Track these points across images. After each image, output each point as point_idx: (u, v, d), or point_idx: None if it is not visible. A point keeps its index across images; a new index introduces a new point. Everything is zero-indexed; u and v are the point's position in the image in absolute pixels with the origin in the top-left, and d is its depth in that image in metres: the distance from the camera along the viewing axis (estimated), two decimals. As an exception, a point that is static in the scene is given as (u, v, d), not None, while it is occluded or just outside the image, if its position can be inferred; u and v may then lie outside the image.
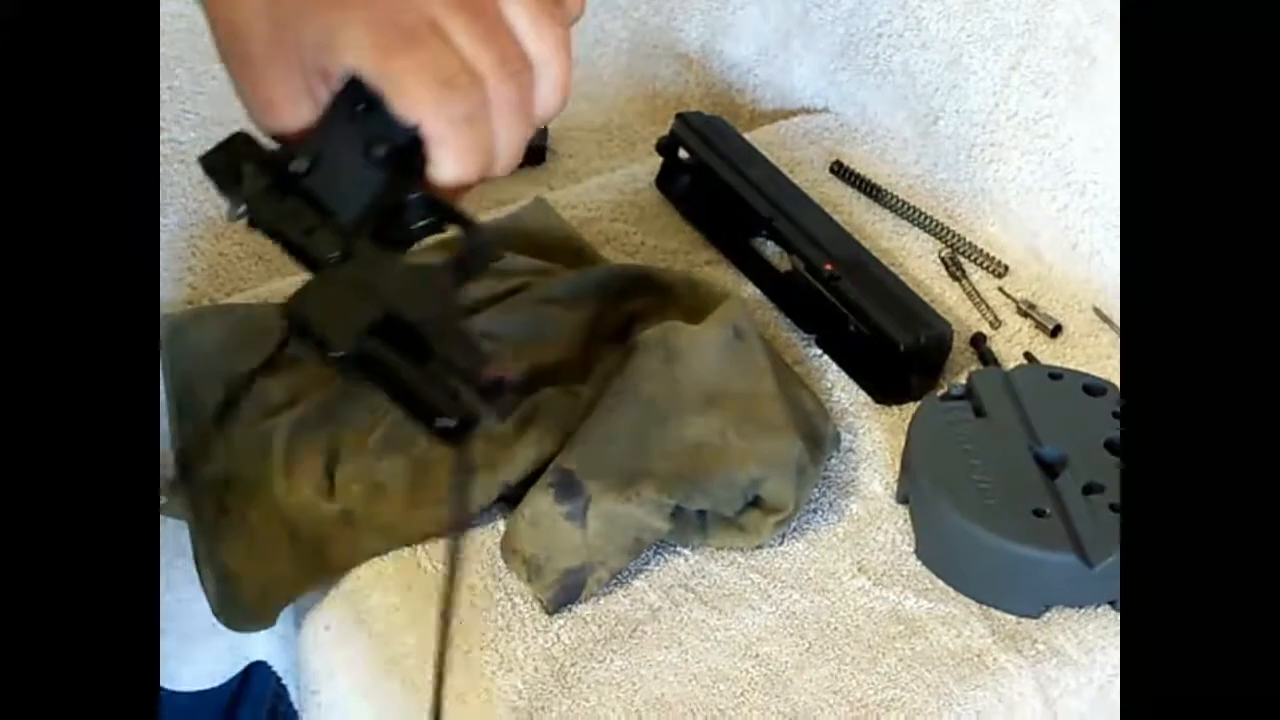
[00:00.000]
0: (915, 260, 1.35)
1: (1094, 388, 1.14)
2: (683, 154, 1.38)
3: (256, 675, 1.22)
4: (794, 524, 1.09)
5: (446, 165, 0.82)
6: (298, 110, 0.84)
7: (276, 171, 0.84)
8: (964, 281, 1.32)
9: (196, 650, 1.17)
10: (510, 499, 1.07)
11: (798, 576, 1.07)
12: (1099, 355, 1.26)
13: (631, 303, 1.21)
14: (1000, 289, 1.32)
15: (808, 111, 1.56)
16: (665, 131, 1.39)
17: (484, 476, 1.07)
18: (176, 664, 1.19)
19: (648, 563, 1.07)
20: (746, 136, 1.39)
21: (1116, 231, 1.30)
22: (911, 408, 1.16)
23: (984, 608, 1.05)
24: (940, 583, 1.07)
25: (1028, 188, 1.37)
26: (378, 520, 1.06)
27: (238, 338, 1.15)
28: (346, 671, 1.08)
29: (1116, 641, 1.04)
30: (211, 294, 1.27)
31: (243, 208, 0.85)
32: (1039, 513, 1.04)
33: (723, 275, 1.31)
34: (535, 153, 1.46)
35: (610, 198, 1.38)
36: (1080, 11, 1.31)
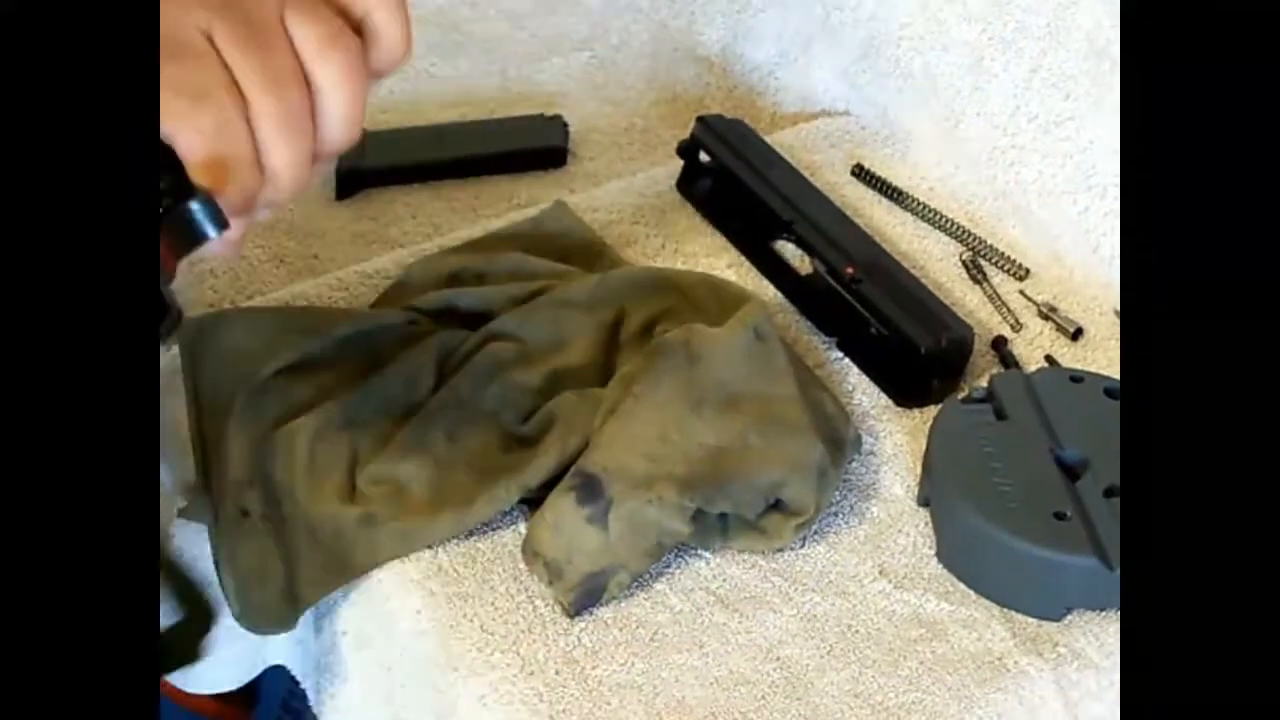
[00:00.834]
0: (936, 263, 1.35)
1: (1115, 391, 1.14)
2: (703, 157, 1.38)
3: (269, 677, 1.22)
4: (815, 527, 1.09)
5: (197, 174, 0.81)
6: None
7: None
8: (985, 284, 1.32)
9: (215, 652, 1.18)
10: (532, 501, 1.08)
11: (818, 579, 1.07)
12: (1120, 358, 1.25)
13: (652, 305, 1.21)
14: (1021, 292, 1.32)
15: (829, 114, 1.56)
16: (686, 134, 1.39)
17: (506, 479, 1.07)
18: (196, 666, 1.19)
19: (669, 566, 1.07)
20: (767, 139, 1.39)
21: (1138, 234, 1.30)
22: (932, 410, 1.16)
23: (1005, 610, 1.05)
24: (961, 585, 1.07)
25: (1049, 190, 1.37)
26: (398, 523, 1.06)
27: (261, 340, 1.15)
28: (364, 676, 1.08)
29: (1138, 645, 1.04)
30: (233, 297, 1.27)
31: None
32: (1060, 515, 1.04)
33: (744, 278, 1.30)
34: (556, 155, 1.46)
35: (631, 200, 1.38)
36: (1101, 14, 1.31)
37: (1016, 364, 1.24)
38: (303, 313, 1.22)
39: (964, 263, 1.35)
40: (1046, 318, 1.29)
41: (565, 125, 1.47)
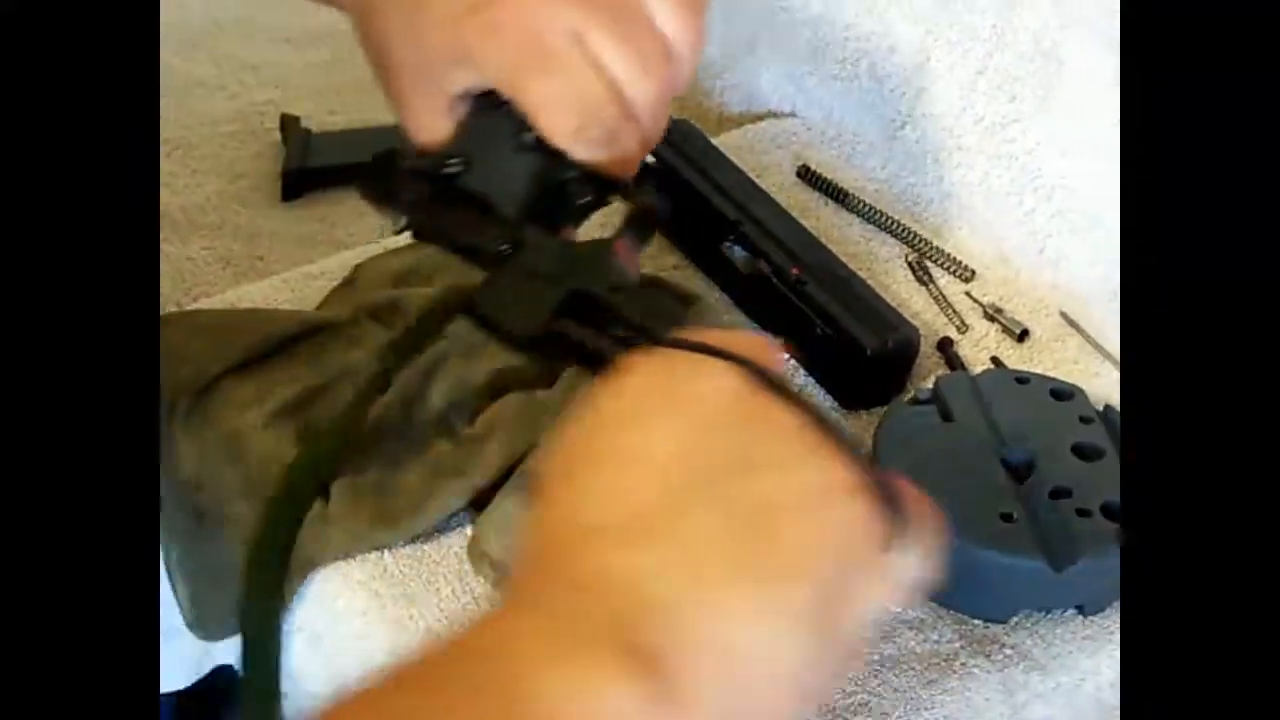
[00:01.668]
0: (882, 265, 1.35)
1: (1061, 392, 1.14)
2: (649, 158, 1.37)
3: (220, 676, 1.22)
4: (762, 528, 1.09)
5: (588, 160, 0.87)
6: (440, 123, 0.87)
7: (431, 180, 0.87)
8: (931, 286, 1.32)
9: (165, 652, 1.17)
10: (479, 503, 1.07)
11: (766, 581, 1.07)
12: (1066, 359, 1.26)
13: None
14: (967, 293, 1.32)
15: (775, 115, 1.56)
16: (632, 135, 1.38)
17: (454, 480, 1.07)
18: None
19: (615, 567, 1.06)
20: (713, 140, 1.39)
21: (1084, 236, 1.31)
22: (878, 412, 1.16)
23: (952, 612, 1.06)
24: (908, 587, 1.07)
25: (995, 192, 1.37)
26: (349, 522, 1.05)
27: (206, 342, 1.15)
28: (315, 674, 1.08)
29: (1084, 646, 1.04)
30: (178, 299, 1.26)
31: (403, 220, 0.88)
32: (1006, 517, 1.04)
33: (689, 279, 1.30)
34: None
35: (577, 201, 1.38)
36: (1048, 15, 1.32)
37: (962, 365, 1.24)
38: (248, 315, 1.21)
39: (910, 264, 1.35)
40: (992, 319, 1.30)
41: (513, 126, 1.47)
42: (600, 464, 0.65)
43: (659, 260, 1.32)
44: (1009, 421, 1.11)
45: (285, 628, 1.09)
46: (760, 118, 1.56)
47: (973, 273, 1.34)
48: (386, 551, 1.06)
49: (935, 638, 1.04)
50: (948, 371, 1.23)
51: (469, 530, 1.07)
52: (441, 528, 1.08)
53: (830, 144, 1.50)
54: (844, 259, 1.28)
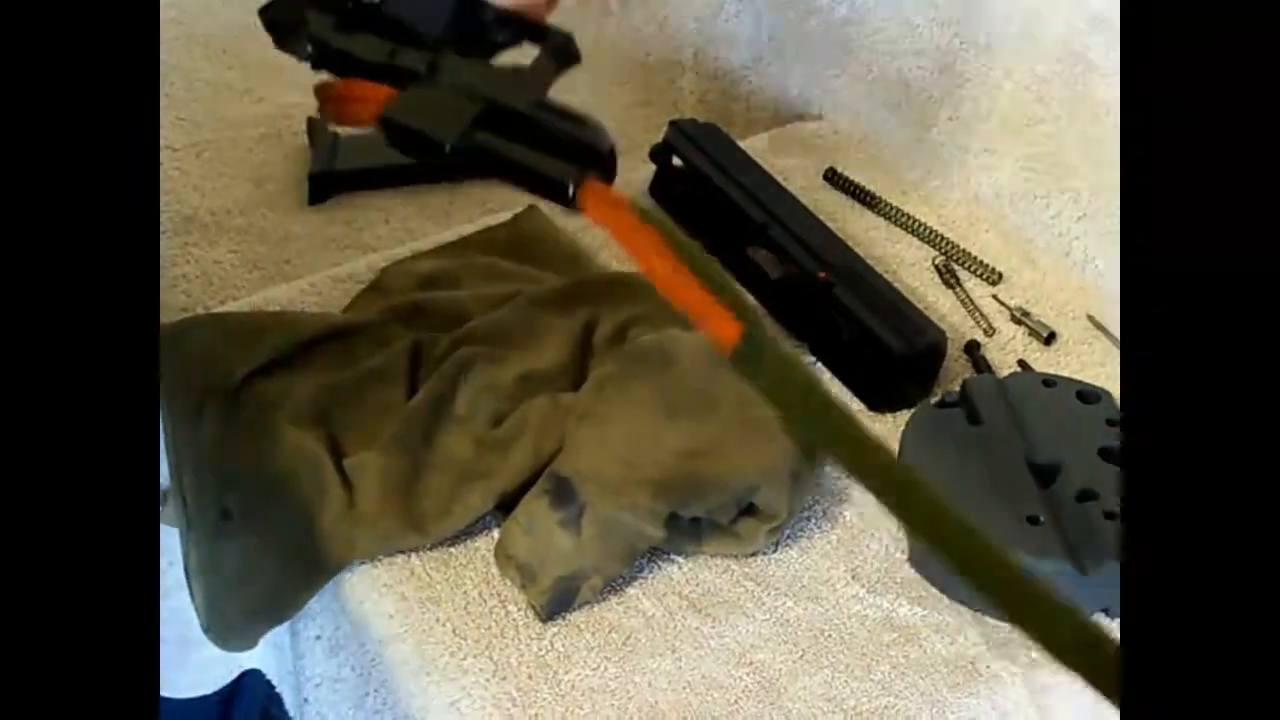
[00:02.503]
0: (909, 268, 1.35)
1: (1088, 395, 1.14)
2: (677, 161, 1.38)
3: (249, 680, 1.22)
4: (787, 531, 1.09)
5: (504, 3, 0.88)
6: None
7: (341, 10, 0.87)
8: (958, 289, 1.32)
9: (192, 657, 1.17)
10: (505, 506, 1.07)
11: (791, 584, 1.07)
12: (1093, 362, 1.26)
13: (625, 310, 1.21)
14: (994, 296, 1.32)
15: (802, 119, 1.56)
16: (659, 138, 1.38)
17: (480, 483, 1.07)
18: (172, 671, 1.19)
19: (641, 570, 1.07)
20: (741, 144, 1.39)
21: (1110, 238, 1.30)
22: (905, 415, 1.16)
23: (977, 615, 1.05)
24: (934, 590, 1.07)
25: (1022, 195, 1.37)
26: (379, 524, 1.05)
27: (233, 344, 1.15)
28: (337, 680, 1.08)
29: (1110, 649, 1.04)
30: (205, 302, 1.27)
31: (309, 47, 0.88)
32: (1033, 519, 1.04)
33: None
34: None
35: (604, 205, 1.38)
36: (1075, 18, 1.31)
37: (989, 368, 1.24)
38: (275, 317, 1.21)
39: (936, 267, 1.35)
40: (1019, 322, 1.29)
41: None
42: None
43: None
44: (1036, 424, 1.11)
45: (305, 634, 1.09)
46: (787, 121, 1.56)
47: (1000, 276, 1.34)
48: (413, 554, 1.06)
49: (961, 641, 1.04)
50: (975, 374, 1.23)
51: (496, 533, 1.07)
52: (468, 530, 1.08)
53: (857, 147, 1.50)
54: (871, 262, 1.28)
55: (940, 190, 1.43)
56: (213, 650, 1.15)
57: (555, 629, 1.03)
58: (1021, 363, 1.25)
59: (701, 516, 1.06)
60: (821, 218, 1.33)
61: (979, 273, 1.34)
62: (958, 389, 1.15)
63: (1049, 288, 1.33)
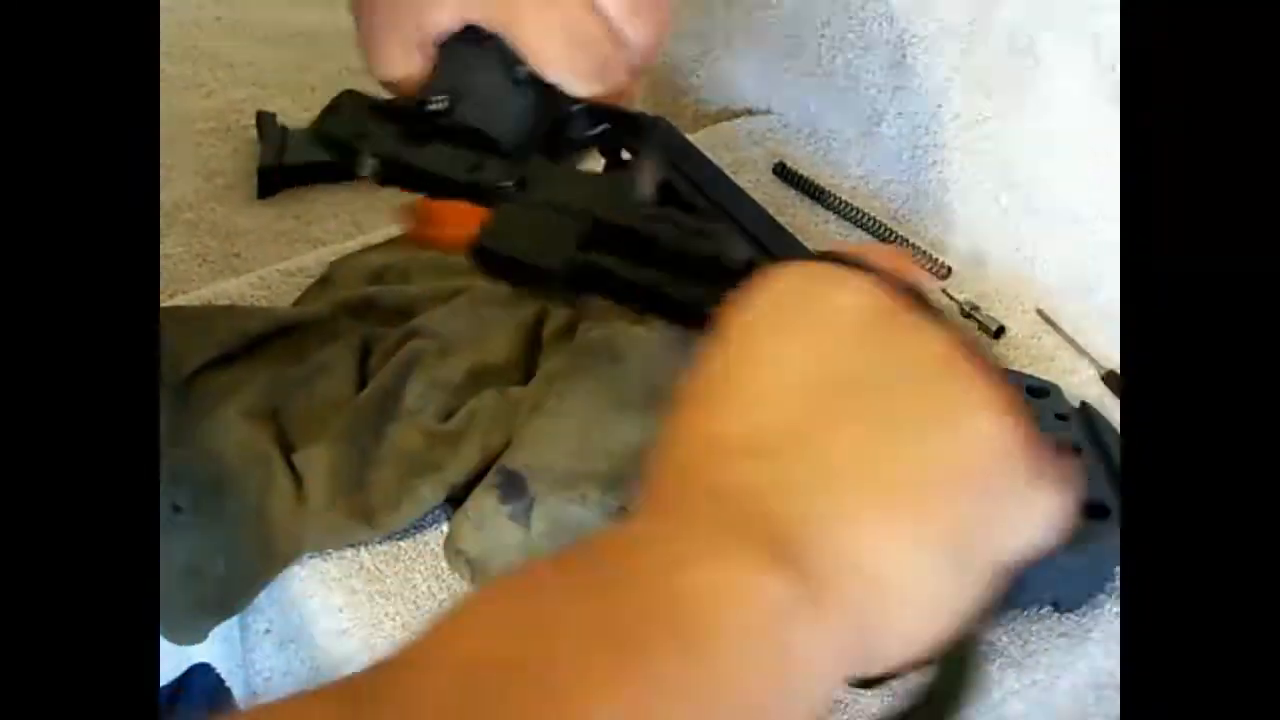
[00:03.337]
0: (858, 261, 1.35)
1: (1037, 389, 1.14)
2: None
3: (198, 674, 1.22)
4: (738, 525, 1.09)
5: (585, 94, 0.87)
6: (414, 62, 0.85)
7: (406, 119, 0.84)
8: (907, 282, 1.33)
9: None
10: (455, 500, 1.07)
11: (742, 577, 1.07)
12: (1042, 357, 1.26)
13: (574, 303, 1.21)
14: (944, 290, 1.32)
15: (751, 113, 1.56)
16: (609, 133, 1.38)
17: (430, 476, 1.07)
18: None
19: (592, 563, 1.06)
20: (689, 137, 1.39)
21: (1060, 233, 1.31)
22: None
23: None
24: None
25: (970, 189, 1.37)
26: (327, 515, 1.05)
27: (182, 338, 1.15)
28: (288, 674, 1.08)
29: (1059, 643, 1.04)
30: (154, 295, 1.26)
31: (372, 163, 0.83)
32: (985, 514, 1.04)
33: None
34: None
35: (554, 198, 1.38)
36: (1023, 13, 1.32)
37: (938, 362, 1.24)
38: (224, 311, 1.21)
39: (886, 261, 1.35)
40: (968, 316, 1.30)
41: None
42: (739, 377, 0.64)
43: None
44: (984, 418, 1.11)
45: (255, 628, 1.09)
46: (736, 115, 1.56)
47: (949, 270, 1.34)
48: (362, 548, 1.06)
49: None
50: (924, 368, 1.23)
51: (445, 527, 1.07)
52: (418, 524, 1.07)
53: (806, 141, 1.50)
54: (820, 256, 1.28)
55: (889, 185, 1.43)
56: (162, 644, 1.15)
57: (505, 623, 1.02)
58: (970, 357, 1.25)
59: (652, 510, 1.06)
60: (771, 211, 1.32)
61: (928, 267, 1.34)
62: (906, 383, 1.15)
63: (998, 282, 1.33)
